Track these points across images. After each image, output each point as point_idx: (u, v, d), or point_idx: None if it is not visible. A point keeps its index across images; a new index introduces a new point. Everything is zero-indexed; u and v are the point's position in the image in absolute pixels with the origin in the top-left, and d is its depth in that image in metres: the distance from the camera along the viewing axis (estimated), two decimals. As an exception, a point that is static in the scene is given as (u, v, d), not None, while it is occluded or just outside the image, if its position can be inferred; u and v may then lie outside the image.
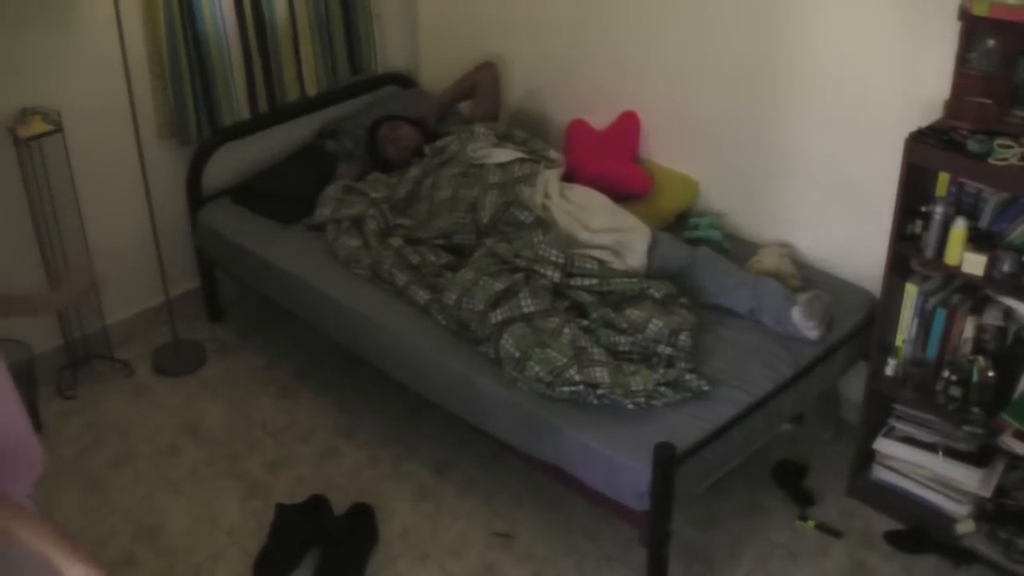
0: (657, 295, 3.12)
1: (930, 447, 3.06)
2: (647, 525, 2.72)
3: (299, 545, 3.08)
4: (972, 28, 2.72)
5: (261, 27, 3.93)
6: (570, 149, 3.86)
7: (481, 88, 4.09)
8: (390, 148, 3.95)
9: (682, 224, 3.67)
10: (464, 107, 4.24)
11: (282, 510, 3.14)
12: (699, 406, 2.84)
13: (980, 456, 2.99)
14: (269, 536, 3.10)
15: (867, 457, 3.22)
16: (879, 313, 3.08)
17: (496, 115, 4.08)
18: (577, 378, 2.82)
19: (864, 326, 3.21)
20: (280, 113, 4.12)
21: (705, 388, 2.88)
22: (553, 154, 3.72)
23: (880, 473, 3.22)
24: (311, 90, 4.17)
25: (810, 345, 3.09)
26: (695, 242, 3.52)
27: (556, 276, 3.13)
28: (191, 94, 3.81)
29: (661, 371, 2.88)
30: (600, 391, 2.82)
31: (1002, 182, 2.71)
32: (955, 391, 2.91)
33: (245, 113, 4.02)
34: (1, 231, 3.54)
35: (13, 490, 2.09)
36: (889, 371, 3.08)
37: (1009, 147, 2.68)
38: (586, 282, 3.15)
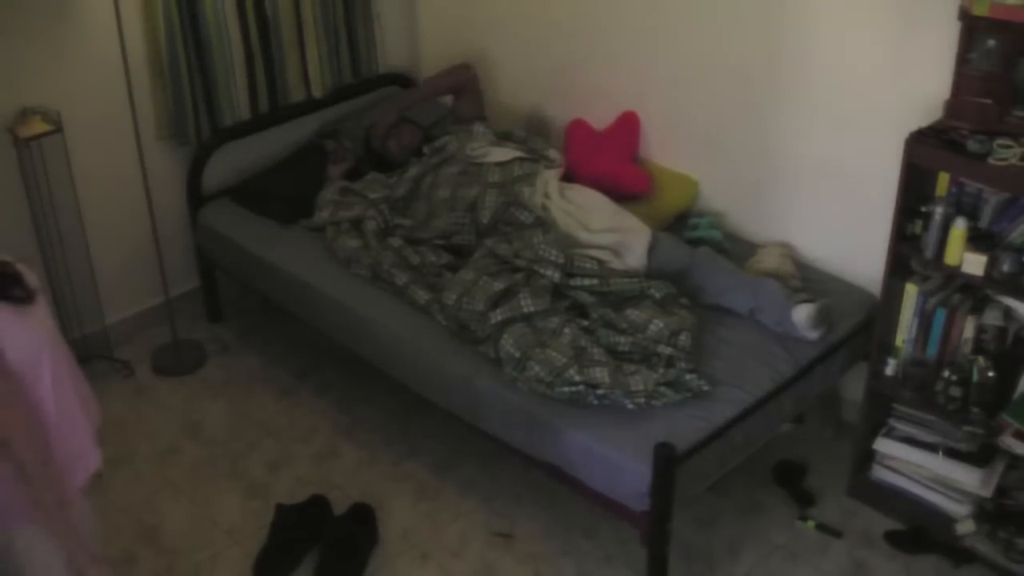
0: (657, 295, 3.12)
1: (930, 447, 3.06)
2: (647, 525, 2.71)
3: (299, 545, 3.08)
4: (972, 28, 2.72)
5: (264, 28, 3.93)
6: (570, 149, 3.85)
7: (467, 91, 4.07)
8: (392, 144, 3.95)
9: (682, 224, 3.67)
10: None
11: (282, 510, 3.14)
12: (699, 406, 2.84)
13: (980, 456, 2.99)
14: (269, 536, 3.10)
15: (867, 457, 3.22)
16: (879, 313, 3.08)
17: (482, 114, 4.07)
18: (577, 378, 2.82)
19: (864, 326, 3.21)
20: (280, 113, 4.12)
21: (705, 388, 2.88)
22: (553, 153, 3.72)
23: (880, 473, 3.22)
24: (317, 92, 4.17)
25: (810, 345, 3.09)
26: (695, 242, 3.53)
27: (556, 276, 3.13)
28: (190, 94, 3.80)
29: (661, 371, 2.88)
30: (600, 391, 2.82)
31: (1002, 182, 2.71)
32: (955, 391, 2.91)
33: (247, 114, 4.02)
34: (1, 231, 3.54)
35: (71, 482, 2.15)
36: (889, 371, 3.08)
37: (1009, 147, 2.68)
38: (586, 282, 3.15)
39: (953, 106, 2.83)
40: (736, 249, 3.52)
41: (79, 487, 2.19)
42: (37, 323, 2.04)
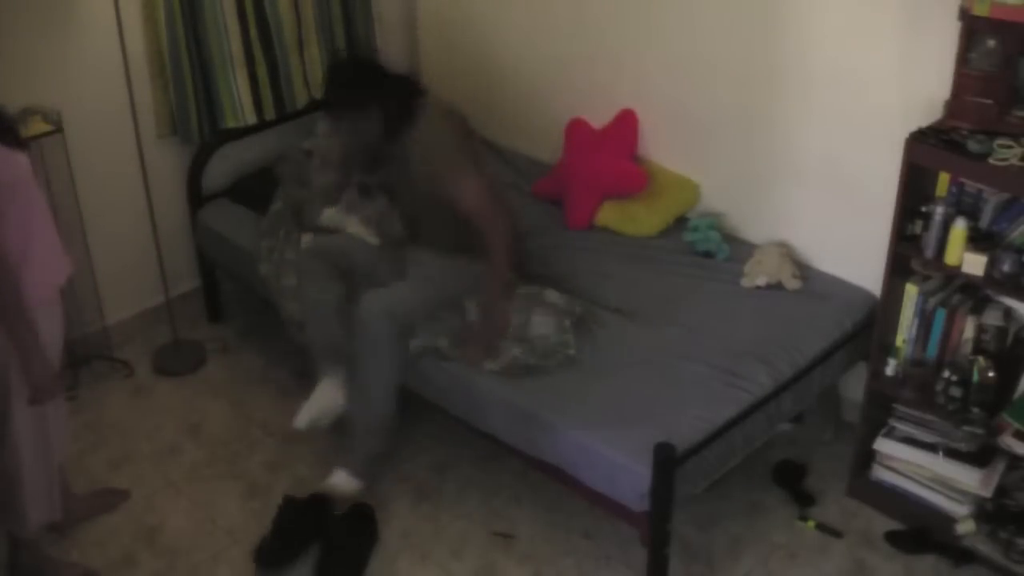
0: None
1: (930, 447, 3.06)
2: (647, 525, 2.72)
3: (301, 538, 3.07)
4: (972, 28, 2.73)
5: (265, 29, 3.93)
6: (569, 147, 3.86)
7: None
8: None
9: (681, 225, 3.67)
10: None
11: (289, 501, 3.12)
12: (699, 406, 2.84)
13: (980, 456, 2.99)
14: (272, 525, 3.09)
15: (867, 457, 3.22)
16: (879, 313, 3.08)
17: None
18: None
19: (864, 326, 3.21)
20: (280, 114, 4.11)
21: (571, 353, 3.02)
22: None
23: (880, 473, 3.22)
24: (317, 93, 4.16)
25: (810, 345, 3.09)
26: (694, 243, 3.53)
27: None
28: (193, 92, 3.80)
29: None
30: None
31: (1002, 182, 2.71)
32: (955, 391, 2.91)
33: (252, 118, 3.98)
34: (1, 231, 3.54)
35: (38, 293, 2.55)
36: (889, 371, 3.08)
37: (1009, 147, 2.68)
38: None
39: (953, 106, 2.84)
40: (736, 249, 3.52)
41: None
42: (18, 163, 2.47)
